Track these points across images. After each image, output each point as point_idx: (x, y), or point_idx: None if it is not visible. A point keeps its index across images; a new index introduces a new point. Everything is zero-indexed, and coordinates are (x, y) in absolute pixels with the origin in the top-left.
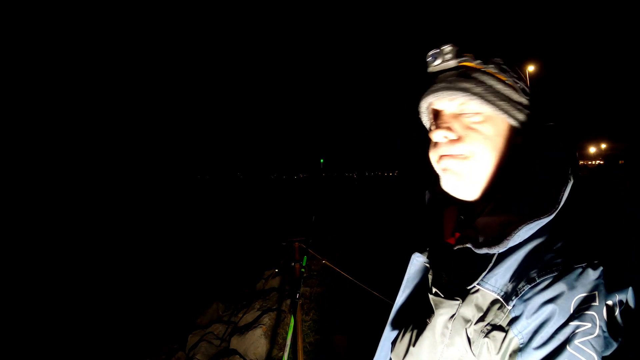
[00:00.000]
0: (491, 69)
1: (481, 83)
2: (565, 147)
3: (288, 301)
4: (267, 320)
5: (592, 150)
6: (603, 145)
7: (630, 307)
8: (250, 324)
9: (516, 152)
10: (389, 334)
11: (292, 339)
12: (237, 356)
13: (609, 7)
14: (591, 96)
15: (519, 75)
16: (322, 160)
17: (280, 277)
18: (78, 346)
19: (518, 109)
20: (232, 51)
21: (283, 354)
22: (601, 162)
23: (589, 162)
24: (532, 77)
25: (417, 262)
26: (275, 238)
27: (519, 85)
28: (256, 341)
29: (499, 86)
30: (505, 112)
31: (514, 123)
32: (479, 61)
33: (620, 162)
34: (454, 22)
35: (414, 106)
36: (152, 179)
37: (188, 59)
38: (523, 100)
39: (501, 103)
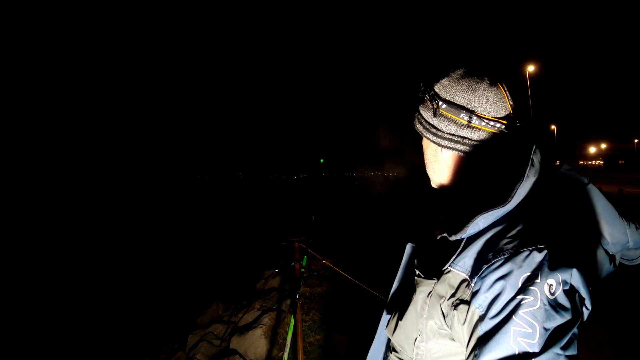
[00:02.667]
0: (427, 98)
1: (419, 118)
2: (523, 154)
3: (288, 301)
4: (267, 320)
5: (592, 150)
6: (603, 145)
7: (575, 287)
8: (250, 324)
9: (468, 161)
10: (386, 315)
11: (292, 339)
12: (237, 356)
13: (609, 7)
14: (591, 96)
15: (454, 96)
16: (322, 160)
17: (280, 277)
18: (78, 346)
19: (438, 135)
20: (233, 51)
21: (283, 354)
22: (601, 162)
23: (589, 162)
24: (532, 77)
25: (409, 251)
26: (275, 238)
27: (443, 107)
28: (256, 341)
29: (427, 114)
30: (433, 141)
31: (441, 144)
32: (422, 95)
33: (620, 162)
34: (456, 21)
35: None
36: (152, 179)
37: (188, 59)
38: (435, 121)
39: (429, 135)
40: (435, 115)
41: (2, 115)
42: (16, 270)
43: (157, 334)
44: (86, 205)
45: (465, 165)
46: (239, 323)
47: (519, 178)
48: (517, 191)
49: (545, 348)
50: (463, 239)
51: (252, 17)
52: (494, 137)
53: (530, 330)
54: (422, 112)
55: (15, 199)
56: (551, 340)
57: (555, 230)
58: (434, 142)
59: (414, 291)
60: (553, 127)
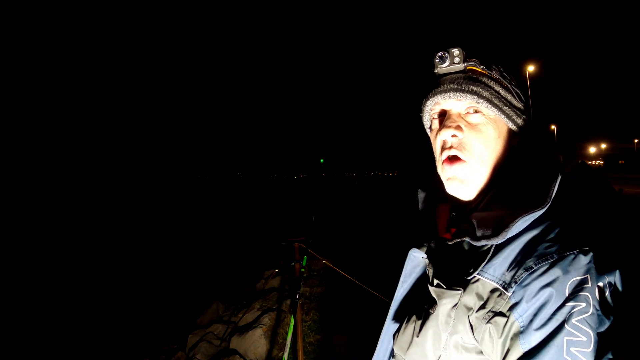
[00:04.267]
0: (495, 74)
1: (488, 87)
2: (554, 147)
3: (288, 301)
4: (267, 320)
5: (592, 150)
6: (603, 145)
7: (618, 288)
8: (250, 324)
9: (512, 152)
10: (389, 327)
11: (292, 339)
12: (237, 356)
13: (609, 7)
14: (591, 96)
15: (517, 82)
16: (322, 160)
17: (280, 277)
18: (78, 346)
19: (517, 114)
20: (233, 51)
21: (283, 354)
22: (601, 162)
23: (589, 162)
24: (532, 77)
25: (415, 257)
26: (275, 238)
27: (516, 91)
28: (256, 341)
29: (503, 92)
30: (507, 116)
31: (512, 126)
32: (483, 66)
33: (620, 162)
34: (456, 22)
35: (416, 104)
36: (152, 179)
37: (188, 59)
38: (520, 105)
39: (505, 108)
40: (509, 91)
41: (2, 115)
42: (16, 270)
43: (157, 334)
44: (86, 205)
45: (517, 149)
46: (239, 323)
47: (548, 177)
48: (553, 192)
49: (599, 355)
50: (492, 244)
51: (252, 17)
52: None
53: (584, 339)
54: (493, 85)
55: (15, 199)
56: (603, 345)
57: (594, 230)
58: (506, 114)
59: (431, 303)
60: (553, 127)
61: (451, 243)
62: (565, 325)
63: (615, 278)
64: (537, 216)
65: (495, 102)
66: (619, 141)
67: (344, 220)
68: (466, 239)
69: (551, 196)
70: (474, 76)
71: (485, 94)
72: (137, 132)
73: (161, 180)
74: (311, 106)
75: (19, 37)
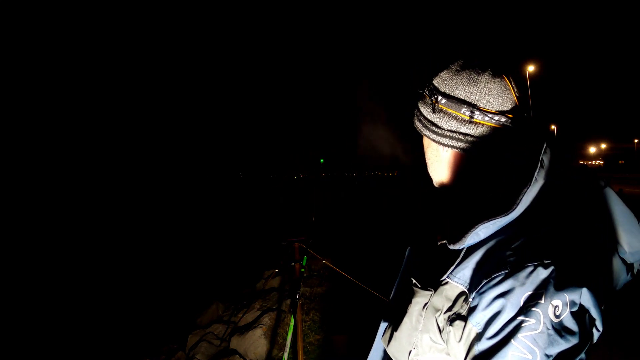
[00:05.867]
0: (426, 93)
1: (418, 115)
2: (531, 153)
3: (288, 301)
4: (267, 320)
5: (592, 150)
6: (603, 145)
7: (585, 308)
8: (250, 324)
9: (471, 160)
10: (383, 322)
11: (292, 339)
12: (237, 356)
13: (609, 7)
14: (591, 96)
15: (454, 89)
16: (322, 160)
17: (280, 277)
18: (78, 346)
19: (436, 132)
20: (232, 51)
21: (283, 354)
22: (601, 162)
23: (589, 162)
24: (532, 77)
25: (409, 255)
26: (275, 238)
27: (441, 101)
28: (256, 341)
29: (427, 110)
30: (430, 138)
31: (441, 146)
32: (421, 90)
33: (620, 162)
34: (456, 21)
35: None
36: (152, 179)
37: (188, 59)
38: (434, 118)
39: (428, 133)
40: (434, 111)
41: (2, 115)
42: (16, 270)
43: (157, 334)
44: (86, 205)
45: (468, 165)
46: (239, 323)
47: (526, 180)
48: (524, 197)
49: None
50: (463, 248)
51: (252, 16)
52: (499, 133)
53: (529, 357)
54: (421, 108)
55: (15, 199)
56: None
57: (565, 242)
58: (434, 140)
59: (409, 301)
60: (553, 127)
61: (439, 244)
62: (512, 339)
63: (581, 297)
64: (504, 222)
65: (425, 132)
66: (619, 141)
67: (344, 220)
68: (445, 241)
69: (518, 203)
70: (418, 110)
71: (419, 126)
72: (137, 132)
73: (161, 181)
74: (311, 106)
75: (17, 36)
